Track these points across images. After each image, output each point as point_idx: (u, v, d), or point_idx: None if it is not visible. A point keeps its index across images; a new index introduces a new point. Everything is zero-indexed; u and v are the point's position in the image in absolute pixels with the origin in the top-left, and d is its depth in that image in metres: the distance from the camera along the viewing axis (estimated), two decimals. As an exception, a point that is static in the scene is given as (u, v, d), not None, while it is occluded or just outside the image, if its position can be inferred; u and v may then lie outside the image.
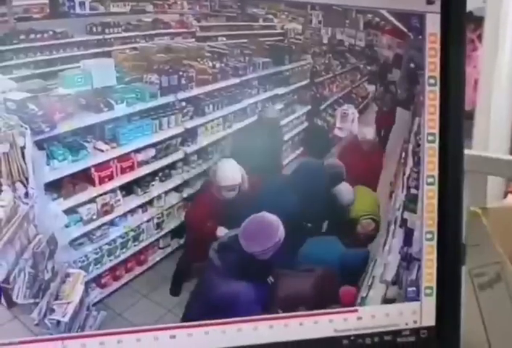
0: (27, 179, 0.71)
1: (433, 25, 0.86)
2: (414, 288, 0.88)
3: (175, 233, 0.82)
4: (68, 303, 0.73)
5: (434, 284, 0.89)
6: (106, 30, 0.76)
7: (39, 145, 0.72)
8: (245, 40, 0.82)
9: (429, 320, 0.89)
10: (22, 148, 0.71)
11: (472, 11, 1.69)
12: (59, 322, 0.73)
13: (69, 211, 0.75)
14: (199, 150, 0.82)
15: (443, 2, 0.86)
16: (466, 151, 1.22)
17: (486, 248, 1.02)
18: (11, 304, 0.72)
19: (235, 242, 0.80)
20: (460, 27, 0.88)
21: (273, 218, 0.81)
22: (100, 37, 0.76)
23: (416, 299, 0.88)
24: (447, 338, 0.90)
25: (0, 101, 0.70)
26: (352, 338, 0.85)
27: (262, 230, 0.81)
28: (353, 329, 0.85)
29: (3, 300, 0.72)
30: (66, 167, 0.74)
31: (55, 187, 0.73)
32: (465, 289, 1.07)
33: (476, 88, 2.06)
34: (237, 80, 0.82)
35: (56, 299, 0.73)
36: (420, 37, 0.86)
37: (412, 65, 0.87)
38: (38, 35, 0.73)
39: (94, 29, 0.76)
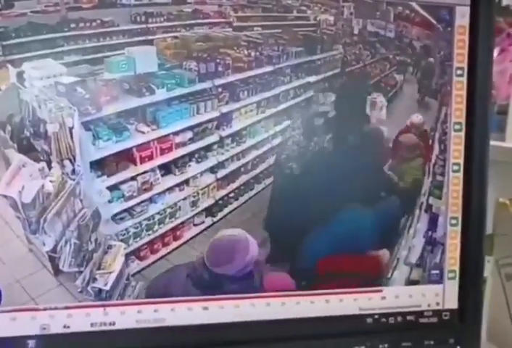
0: (74, 157, 0.76)
1: (462, 17, 0.88)
2: (437, 271, 0.90)
3: (209, 211, 0.86)
4: (109, 273, 0.78)
5: (457, 268, 0.91)
6: (150, 20, 0.80)
7: (86, 126, 0.76)
8: (279, 31, 0.85)
9: (452, 302, 0.91)
10: (71, 128, 0.75)
11: (510, 5, 1.69)
12: (100, 290, 0.78)
13: (112, 188, 0.79)
14: (233, 133, 0.85)
15: (472, -6, 0.88)
16: (498, 143, 1.23)
17: (513, 239, 1.04)
18: (57, 271, 0.78)
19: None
20: (489, 20, 0.90)
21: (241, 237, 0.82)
22: (143, 26, 0.80)
23: (439, 282, 0.91)
24: (468, 322, 0.92)
25: (51, 84, 0.75)
26: (375, 316, 0.88)
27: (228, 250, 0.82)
28: (377, 308, 0.88)
29: (50, 268, 0.78)
30: (110, 147, 0.78)
31: (100, 165, 0.78)
32: (492, 279, 1.09)
33: (512, 82, 2.04)
34: (271, 68, 0.85)
35: (99, 268, 0.78)
36: (449, 29, 0.88)
37: (440, 56, 0.89)
38: (87, 24, 0.78)
39: (138, 18, 0.80)
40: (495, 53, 1.28)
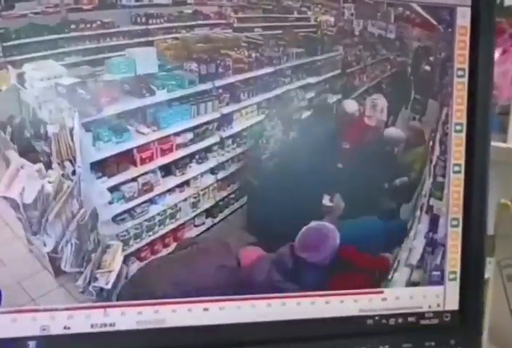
0: (74, 158, 0.76)
1: (463, 17, 0.88)
2: (438, 273, 0.90)
3: (209, 212, 0.86)
4: (110, 272, 0.78)
5: (458, 269, 0.91)
6: (150, 21, 0.80)
7: (86, 127, 0.76)
8: (280, 32, 0.85)
9: (453, 304, 0.91)
10: (71, 129, 0.76)
11: (511, 6, 1.69)
12: (102, 289, 0.78)
13: (113, 189, 0.79)
14: (234, 134, 0.85)
15: (473, -5, 0.88)
16: (500, 144, 1.23)
17: (515, 240, 1.04)
18: (58, 272, 0.78)
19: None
20: (490, 20, 0.90)
21: (330, 227, 0.86)
22: (144, 27, 0.80)
23: (440, 283, 0.91)
24: (470, 323, 0.92)
25: (52, 85, 0.75)
26: (376, 318, 0.88)
27: (320, 240, 0.86)
28: (378, 309, 0.88)
29: (51, 269, 0.78)
30: (110, 148, 0.78)
31: (100, 166, 0.78)
32: (493, 280, 1.09)
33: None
34: (271, 69, 0.85)
35: (99, 268, 0.78)
36: (450, 30, 0.88)
37: (441, 57, 0.89)
38: (87, 25, 0.78)
39: (139, 19, 0.80)
40: (497, 54, 1.28)
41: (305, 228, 0.85)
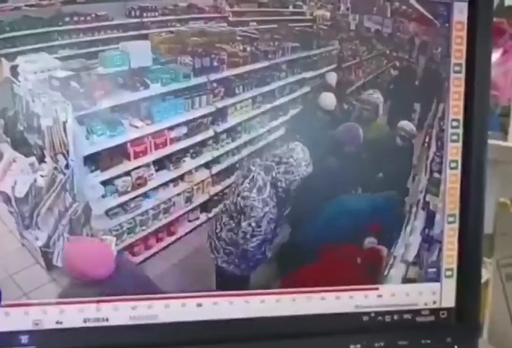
0: (67, 151, 0.76)
1: (460, 13, 0.88)
2: (434, 270, 0.90)
3: (203, 207, 0.86)
4: (102, 267, 0.78)
5: (454, 266, 0.90)
6: (144, 14, 0.80)
7: (80, 120, 0.76)
8: (275, 26, 0.85)
9: (449, 301, 0.90)
10: (64, 122, 0.75)
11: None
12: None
13: (106, 182, 0.79)
14: (228, 129, 0.85)
15: (471, -10, 0.88)
16: (499, 143, 1.23)
17: (514, 239, 1.03)
18: (50, 266, 0.77)
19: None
20: (487, 16, 0.89)
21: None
22: (138, 20, 0.80)
23: (436, 280, 0.90)
24: (466, 320, 0.91)
25: (45, 78, 0.75)
26: (372, 314, 0.87)
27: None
28: (373, 306, 0.87)
29: (43, 263, 0.77)
30: (104, 142, 0.78)
31: (93, 160, 0.78)
32: (492, 280, 1.08)
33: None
34: (267, 64, 0.85)
35: (92, 263, 0.78)
36: (446, 25, 0.88)
37: (437, 52, 0.89)
38: (81, 18, 0.77)
39: (133, 13, 0.80)
40: (497, 54, 1.28)
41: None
